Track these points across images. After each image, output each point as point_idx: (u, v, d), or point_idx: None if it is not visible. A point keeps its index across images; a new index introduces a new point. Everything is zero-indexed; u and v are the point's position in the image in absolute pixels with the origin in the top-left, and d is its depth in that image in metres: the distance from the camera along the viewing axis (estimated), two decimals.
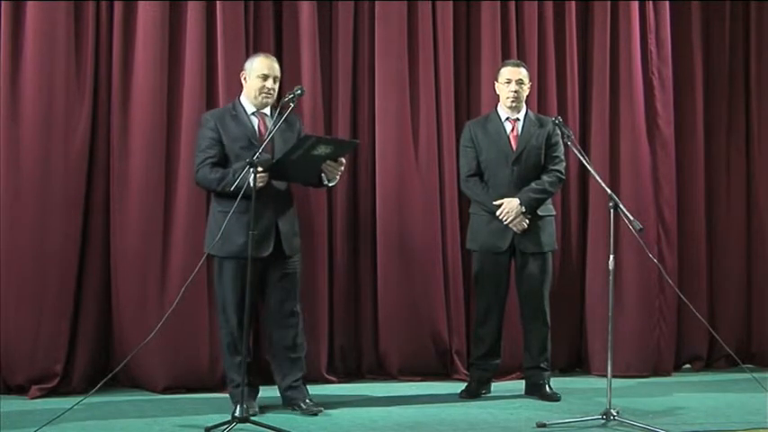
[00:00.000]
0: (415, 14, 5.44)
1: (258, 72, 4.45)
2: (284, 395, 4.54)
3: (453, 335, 5.42)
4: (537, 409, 4.60)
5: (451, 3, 5.52)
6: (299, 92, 4.42)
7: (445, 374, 5.40)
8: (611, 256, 4.34)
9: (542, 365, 4.94)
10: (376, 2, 5.40)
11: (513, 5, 5.62)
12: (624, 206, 4.34)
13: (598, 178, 4.54)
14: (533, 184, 4.85)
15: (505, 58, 5.53)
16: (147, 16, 4.95)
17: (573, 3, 5.72)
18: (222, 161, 4.41)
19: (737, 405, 4.74)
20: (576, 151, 4.59)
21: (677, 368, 5.84)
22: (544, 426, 4.21)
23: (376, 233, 5.36)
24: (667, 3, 5.80)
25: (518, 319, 5.17)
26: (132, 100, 4.96)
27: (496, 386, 5.18)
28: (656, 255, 5.45)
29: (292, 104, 4.41)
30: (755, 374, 5.13)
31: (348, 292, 5.39)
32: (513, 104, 4.91)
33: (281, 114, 4.39)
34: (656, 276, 5.53)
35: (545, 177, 4.88)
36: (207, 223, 4.53)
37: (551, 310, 4.99)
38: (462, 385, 5.02)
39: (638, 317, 5.60)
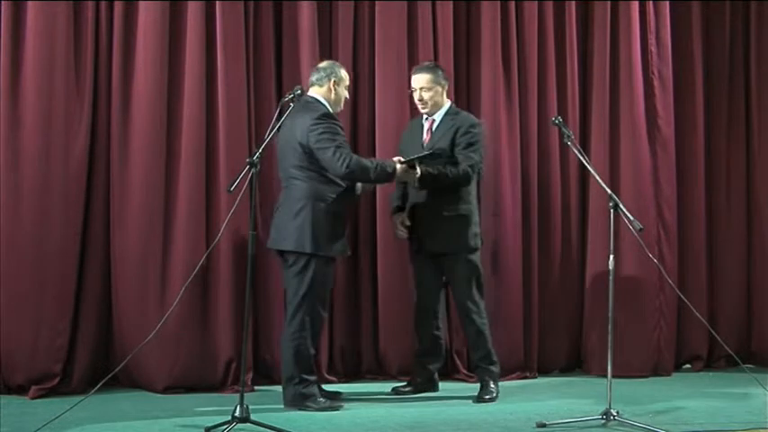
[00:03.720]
0: (415, 14, 5.45)
1: (347, 83, 4.76)
2: None
3: (453, 335, 5.42)
4: (537, 409, 4.59)
5: (451, 3, 5.52)
6: (298, 92, 4.49)
7: (445, 374, 5.38)
8: (611, 256, 4.34)
9: (481, 364, 4.93)
10: (376, 2, 5.40)
11: (513, 5, 5.62)
12: (624, 206, 4.35)
13: (598, 178, 4.55)
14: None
15: (505, 58, 5.54)
16: (147, 16, 4.95)
17: (573, 3, 5.73)
18: None
19: (737, 405, 4.74)
20: (576, 151, 4.60)
21: (677, 368, 5.84)
22: (544, 426, 4.21)
23: (376, 233, 5.36)
24: (667, 3, 5.80)
25: (517, 319, 5.18)
26: (132, 100, 4.96)
27: None
28: (656, 255, 5.45)
29: (292, 104, 4.45)
30: (755, 374, 5.13)
31: (348, 292, 5.39)
32: (425, 110, 4.94)
33: (281, 114, 4.43)
34: (656, 276, 5.53)
35: (450, 167, 4.81)
36: (297, 223, 4.46)
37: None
38: (463, 385, 5.02)
39: (638, 317, 5.60)
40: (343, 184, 4.56)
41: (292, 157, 4.55)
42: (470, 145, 4.85)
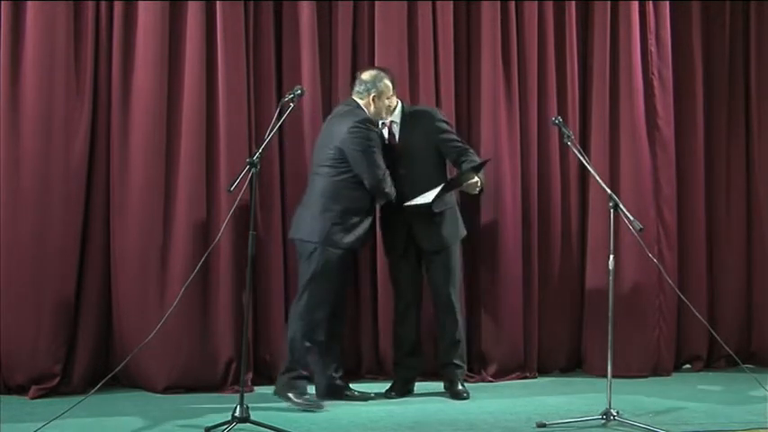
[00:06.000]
0: (415, 14, 5.44)
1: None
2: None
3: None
4: (537, 409, 4.60)
5: (451, 3, 5.51)
6: (298, 92, 4.50)
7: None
8: (611, 256, 4.34)
9: (455, 362, 4.94)
10: (376, 2, 5.40)
11: (513, 5, 5.61)
12: (624, 206, 4.35)
13: (598, 178, 4.55)
14: (466, 157, 4.89)
15: (505, 58, 5.54)
16: (147, 16, 4.95)
17: (573, 3, 5.72)
18: None
19: (737, 405, 4.74)
20: (576, 151, 4.60)
21: (677, 368, 5.84)
22: (544, 426, 4.22)
23: (375, 233, 5.35)
24: (667, 3, 5.80)
25: (516, 317, 5.16)
26: (132, 100, 4.96)
27: (495, 386, 5.19)
28: (656, 255, 5.44)
29: (292, 104, 4.46)
30: (755, 374, 5.13)
31: (348, 292, 5.37)
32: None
33: (281, 114, 4.45)
34: (656, 276, 5.52)
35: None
36: (310, 214, 4.63)
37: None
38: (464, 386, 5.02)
39: (638, 317, 5.60)
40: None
41: (323, 157, 4.69)
42: (453, 132, 5.02)
